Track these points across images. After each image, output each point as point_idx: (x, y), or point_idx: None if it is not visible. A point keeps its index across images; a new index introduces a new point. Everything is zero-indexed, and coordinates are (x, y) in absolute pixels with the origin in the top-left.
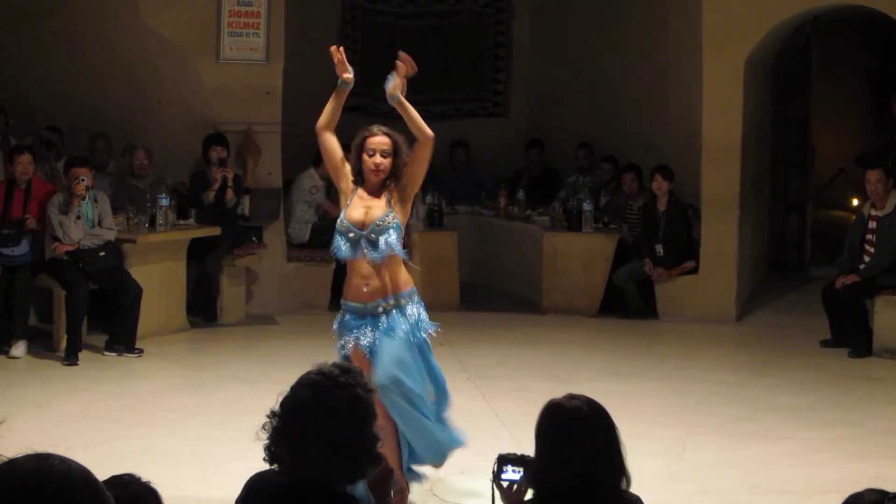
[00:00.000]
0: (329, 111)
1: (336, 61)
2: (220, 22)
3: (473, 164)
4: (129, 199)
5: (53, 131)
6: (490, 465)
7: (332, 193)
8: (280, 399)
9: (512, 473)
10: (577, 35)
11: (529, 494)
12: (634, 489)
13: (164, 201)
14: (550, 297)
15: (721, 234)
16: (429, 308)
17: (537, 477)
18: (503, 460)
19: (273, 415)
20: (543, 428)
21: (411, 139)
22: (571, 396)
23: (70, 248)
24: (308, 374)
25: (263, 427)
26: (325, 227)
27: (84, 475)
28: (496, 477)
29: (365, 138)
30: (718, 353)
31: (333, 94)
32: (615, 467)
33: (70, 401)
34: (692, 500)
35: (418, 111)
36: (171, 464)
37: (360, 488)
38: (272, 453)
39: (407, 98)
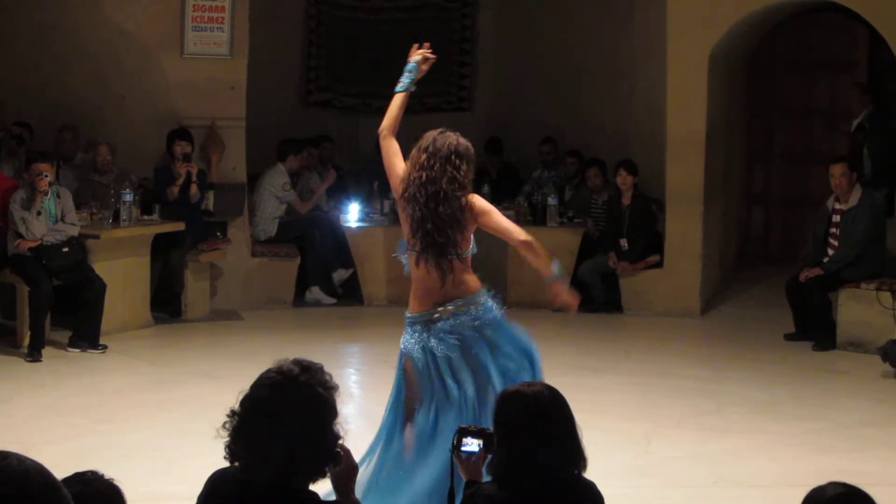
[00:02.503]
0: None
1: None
2: (185, 17)
3: None
4: (93, 194)
5: (23, 126)
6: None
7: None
8: (240, 398)
9: (471, 446)
10: (542, 29)
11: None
12: (600, 483)
13: (128, 197)
14: (515, 291)
15: (685, 228)
16: (394, 303)
17: (496, 462)
18: (463, 432)
19: (233, 414)
20: (500, 415)
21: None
22: (530, 384)
23: (33, 244)
24: (268, 372)
25: (223, 426)
26: (291, 222)
27: (42, 474)
28: (455, 449)
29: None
30: (683, 346)
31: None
32: (572, 452)
33: (34, 397)
34: (657, 494)
35: (383, 106)
36: (136, 459)
37: None
38: (232, 451)
39: (371, 94)
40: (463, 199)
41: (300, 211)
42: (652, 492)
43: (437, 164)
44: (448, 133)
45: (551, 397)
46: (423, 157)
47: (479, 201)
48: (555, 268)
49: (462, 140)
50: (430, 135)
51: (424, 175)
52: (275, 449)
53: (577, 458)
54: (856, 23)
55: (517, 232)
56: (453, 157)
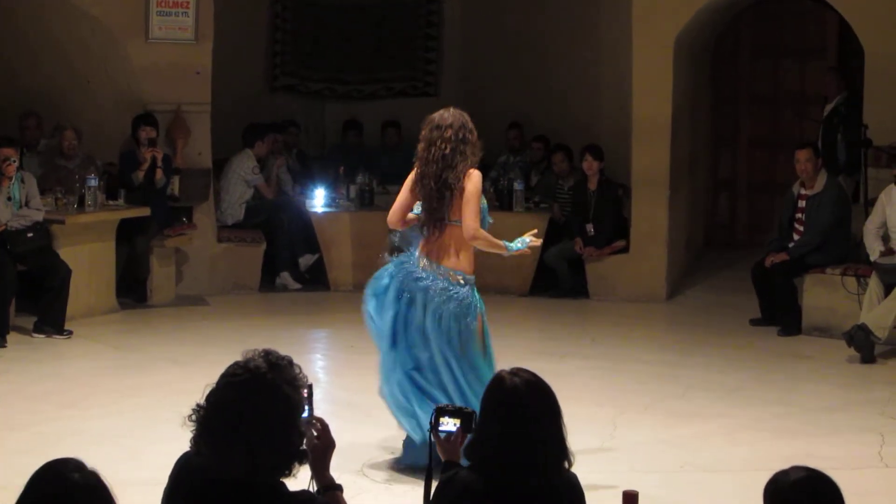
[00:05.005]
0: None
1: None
2: (149, 1)
3: (405, 144)
4: (58, 179)
5: None
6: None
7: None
8: (206, 392)
9: (449, 425)
10: (509, 14)
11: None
12: None
13: (93, 182)
14: (481, 277)
15: (651, 214)
16: (360, 288)
17: (475, 446)
18: (440, 412)
19: (199, 408)
20: (485, 399)
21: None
22: (516, 372)
23: None
24: (235, 367)
25: (189, 418)
26: (258, 206)
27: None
28: (433, 428)
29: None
30: (649, 332)
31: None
32: (557, 447)
33: None
34: (624, 479)
35: (349, 91)
36: (101, 446)
37: None
38: (197, 444)
39: (337, 79)
40: (464, 169)
41: (267, 195)
42: (618, 477)
43: (447, 134)
44: (451, 109)
45: (537, 389)
46: (435, 133)
47: (469, 181)
48: (509, 247)
49: (466, 117)
50: (436, 115)
51: (435, 148)
52: (238, 449)
53: (559, 452)
54: (824, 8)
55: (467, 228)
56: (461, 130)
